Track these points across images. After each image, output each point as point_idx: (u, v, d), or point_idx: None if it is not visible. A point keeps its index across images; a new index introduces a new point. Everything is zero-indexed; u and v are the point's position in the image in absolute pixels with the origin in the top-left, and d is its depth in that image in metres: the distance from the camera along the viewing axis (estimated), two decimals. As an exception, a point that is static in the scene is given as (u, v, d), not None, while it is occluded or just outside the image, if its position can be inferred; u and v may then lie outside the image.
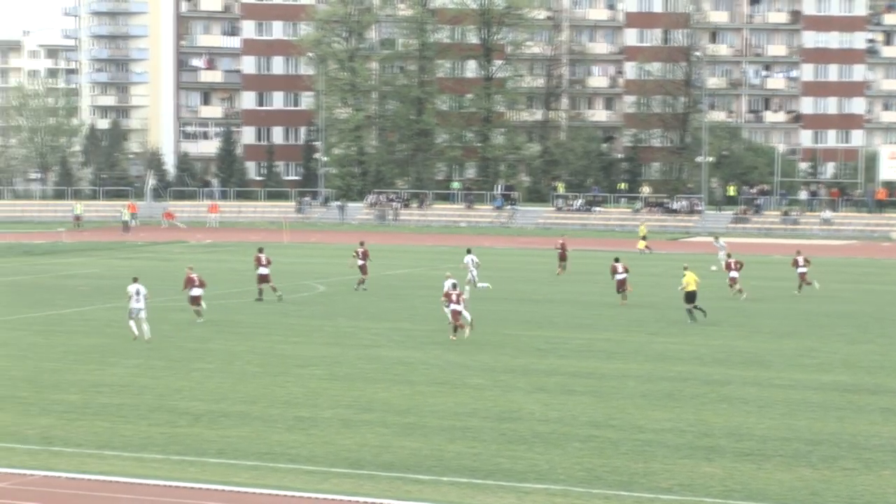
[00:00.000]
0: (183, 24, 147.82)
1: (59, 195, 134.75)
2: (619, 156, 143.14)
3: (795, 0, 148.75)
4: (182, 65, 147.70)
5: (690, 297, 49.82)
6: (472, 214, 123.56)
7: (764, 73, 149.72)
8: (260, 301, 55.54)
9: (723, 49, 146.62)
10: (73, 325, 48.19)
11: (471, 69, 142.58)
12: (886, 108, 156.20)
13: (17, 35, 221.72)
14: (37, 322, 49.12)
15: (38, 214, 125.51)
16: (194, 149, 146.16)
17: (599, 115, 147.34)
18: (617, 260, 57.03)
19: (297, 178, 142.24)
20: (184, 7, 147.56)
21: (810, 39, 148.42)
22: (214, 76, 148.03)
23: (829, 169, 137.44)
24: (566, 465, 26.36)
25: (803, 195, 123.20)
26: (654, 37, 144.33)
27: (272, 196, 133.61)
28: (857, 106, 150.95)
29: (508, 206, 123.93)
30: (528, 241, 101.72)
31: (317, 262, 76.28)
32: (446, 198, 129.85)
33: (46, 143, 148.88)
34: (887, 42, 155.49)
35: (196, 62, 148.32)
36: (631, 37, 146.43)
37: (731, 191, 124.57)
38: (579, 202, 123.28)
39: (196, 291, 49.09)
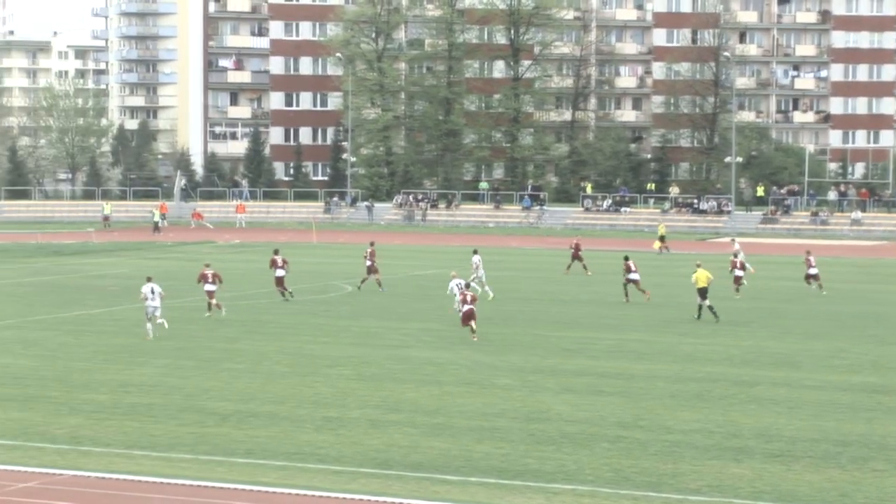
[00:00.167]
0: (211, 24, 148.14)
1: (88, 195, 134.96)
2: (648, 156, 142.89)
3: (825, 0, 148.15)
4: (210, 65, 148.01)
5: (702, 293, 50.18)
6: (500, 215, 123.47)
7: (793, 73, 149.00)
8: (286, 301, 55.67)
9: (752, 49, 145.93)
10: (103, 325, 48.33)
11: (499, 69, 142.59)
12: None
13: (47, 36, 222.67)
14: (67, 322, 49.30)
15: (68, 215, 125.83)
16: (222, 149, 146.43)
17: (628, 115, 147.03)
18: (627, 258, 57.11)
19: (324, 178, 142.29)
20: (212, 8, 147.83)
21: (840, 39, 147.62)
22: (243, 77, 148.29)
23: (859, 169, 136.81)
24: (594, 466, 26.32)
25: (832, 196, 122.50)
26: (682, 37, 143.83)
27: (300, 196, 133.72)
28: (887, 106, 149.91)
29: (536, 207, 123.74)
30: (556, 242, 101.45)
31: (345, 262, 76.29)
32: (474, 198, 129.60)
33: (76, 144, 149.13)
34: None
35: (224, 63, 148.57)
36: (659, 37, 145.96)
37: (760, 191, 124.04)
38: (608, 203, 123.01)
39: (209, 287, 49.92)
